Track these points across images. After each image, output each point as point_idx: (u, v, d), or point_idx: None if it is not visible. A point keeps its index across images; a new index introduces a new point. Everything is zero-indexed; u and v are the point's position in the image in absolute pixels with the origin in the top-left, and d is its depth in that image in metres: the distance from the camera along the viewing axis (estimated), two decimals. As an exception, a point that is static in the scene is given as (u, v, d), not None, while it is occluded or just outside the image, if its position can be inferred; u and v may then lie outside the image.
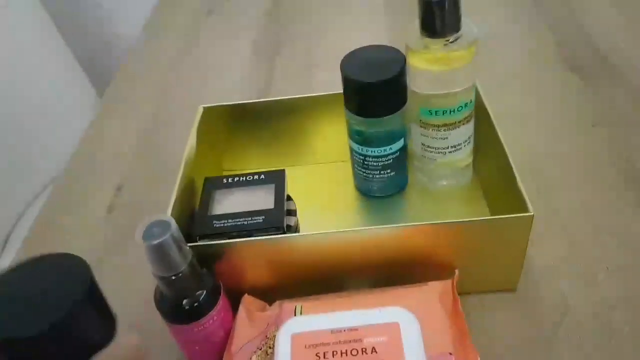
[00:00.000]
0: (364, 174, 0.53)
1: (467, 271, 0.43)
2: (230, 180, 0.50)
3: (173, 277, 0.37)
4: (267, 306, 0.43)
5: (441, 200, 0.54)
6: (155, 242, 0.35)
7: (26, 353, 0.26)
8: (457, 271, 0.42)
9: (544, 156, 0.57)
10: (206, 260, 0.41)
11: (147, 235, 0.35)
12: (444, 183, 0.55)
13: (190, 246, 0.38)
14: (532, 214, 0.39)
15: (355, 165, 0.53)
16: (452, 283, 0.42)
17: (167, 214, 0.43)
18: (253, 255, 0.43)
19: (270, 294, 0.43)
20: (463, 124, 0.48)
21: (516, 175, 0.42)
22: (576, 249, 0.48)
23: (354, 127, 0.49)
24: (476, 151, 0.53)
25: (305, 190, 0.54)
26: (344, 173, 0.57)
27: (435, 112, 0.47)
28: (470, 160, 0.54)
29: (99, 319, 0.28)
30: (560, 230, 0.50)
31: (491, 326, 0.43)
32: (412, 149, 0.54)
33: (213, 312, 0.40)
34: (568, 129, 0.61)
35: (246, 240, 0.42)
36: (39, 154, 0.88)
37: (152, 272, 0.37)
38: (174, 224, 0.36)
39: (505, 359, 0.41)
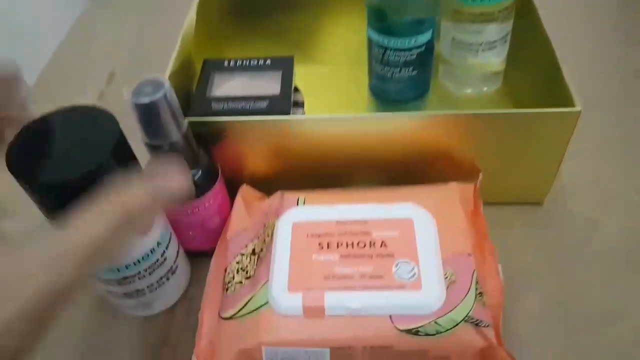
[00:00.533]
0: (382, 72, 0.47)
1: (492, 177, 0.38)
2: (232, 63, 0.45)
3: (165, 147, 0.33)
4: (267, 198, 0.39)
5: (466, 109, 0.49)
6: (146, 100, 0.30)
7: (63, 195, 0.27)
8: (481, 174, 0.38)
9: (579, 74, 0.52)
10: (204, 141, 0.37)
11: (138, 94, 0.30)
12: (469, 91, 0.50)
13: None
14: (580, 109, 0.34)
15: (373, 61, 0.48)
16: (475, 186, 0.38)
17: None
18: (254, 138, 0.38)
19: (270, 186, 0.39)
20: (502, 16, 0.43)
21: (562, 68, 0.37)
22: (609, 169, 0.44)
23: (376, 11, 0.44)
24: (508, 57, 0.48)
25: (314, 90, 0.48)
26: (358, 75, 0.51)
27: (473, -4, 0.41)
28: (502, 67, 0.48)
29: (128, 165, 0.30)
30: (593, 149, 0.45)
31: (513, 241, 0.39)
32: (438, 51, 0.48)
33: (208, 195, 0.36)
34: (608, 43, 0.55)
35: (247, 120, 0.37)
36: (28, 50, 0.82)
37: (142, 141, 0.33)
38: (168, 84, 0.31)
39: (525, 277, 0.37)
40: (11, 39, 0.79)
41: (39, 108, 0.54)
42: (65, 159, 0.28)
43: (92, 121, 0.29)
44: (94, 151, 0.28)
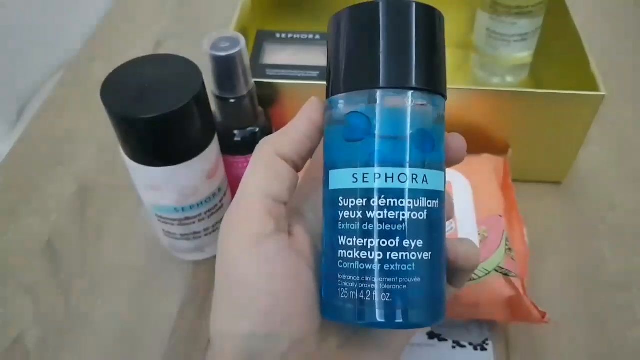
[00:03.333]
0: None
1: (518, 154, 0.42)
2: (283, 35, 0.48)
3: (232, 101, 0.36)
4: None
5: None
6: (224, 54, 0.33)
7: (146, 131, 0.31)
8: (510, 150, 0.42)
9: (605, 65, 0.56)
10: (261, 102, 0.40)
11: (215, 47, 0.34)
12: (496, 80, 0.53)
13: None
14: (604, 93, 0.38)
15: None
16: (505, 160, 0.41)
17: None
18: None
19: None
20: (536, 10, 0.46)
21: (590, 59, 0.41)
22: (626, 154, 0.48)
23: None
24: (537, 50, 0.52)
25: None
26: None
27: (512, -10, 0.45)
28: (530, 59, 0.52)
29: (206, 116, 0.33)
30: (612, 136, 0.49)
31: (534, 214, 0.43)
32: (473, 41, 0.52)
33: (263, 150, 0.39)
34: (633, 37, 0.59)
35: (303, 84, 0.40)
36: (76, 16, 0.85)
37: (212, 92, 0.36)
38: (243, 42, 0.34)
39: (545, 246, 0.41)
40: (60, 6, 0.82)
41: (93, 69, 0.58)
42: (152, 98, 0.31)
43: (176, 68, 0.33)
44: (179, 94, 0.31)
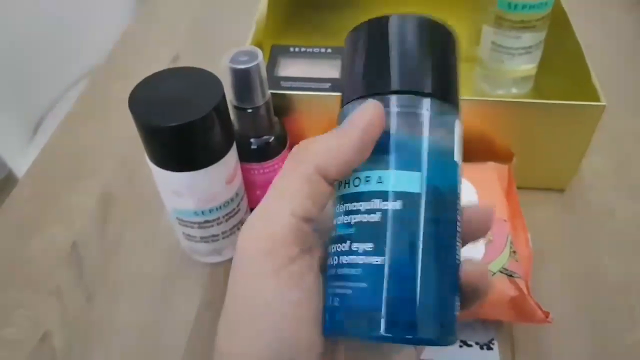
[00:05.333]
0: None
1: (522, 162, 0.44)
2: (297, 49, 0.51)
3: (249, 110, 0.38)
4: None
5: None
6: (243, 67, 0.36)
7: (169, 139, 0.33)
8: (515, 158, 0.43)
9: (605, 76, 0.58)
10: (277, 112, 0.42)
11: (234, 61, 0.36)
12: (501, 92, 0.55)
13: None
14: (604, 104, 0.40)
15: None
16: (509, 168, 0.43)
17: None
18: (319, 112, 0.43)
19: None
20: (539, 25, 0.48)
21: (591, 71, 0.42)
22: (627, 163, 0.49)
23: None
24: (541, 64, 0.53)
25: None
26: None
27: (515, 5, 0.47)
28: (534, 72, 0.54)
29: (226, 125, 0.35)
30: (612, 146, 0.51)
31: (537, 220, 0.44)
32: (478, 54, 0.54)
33: (278, 159, 0.41)
34: (632, 49, 0.61)
35: (316, 95, 0.42)
36: (91, 32, 0.89)
37: (230, 102, 0.38)
38: (261, 56, 0.36)
39: (547, 251, 0.43)
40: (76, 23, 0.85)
41: (113, 84, 0.61)
42: (176, 108, 0.33)
43: (199, 80, 0.35)
44: (201, 104, 0.33)
